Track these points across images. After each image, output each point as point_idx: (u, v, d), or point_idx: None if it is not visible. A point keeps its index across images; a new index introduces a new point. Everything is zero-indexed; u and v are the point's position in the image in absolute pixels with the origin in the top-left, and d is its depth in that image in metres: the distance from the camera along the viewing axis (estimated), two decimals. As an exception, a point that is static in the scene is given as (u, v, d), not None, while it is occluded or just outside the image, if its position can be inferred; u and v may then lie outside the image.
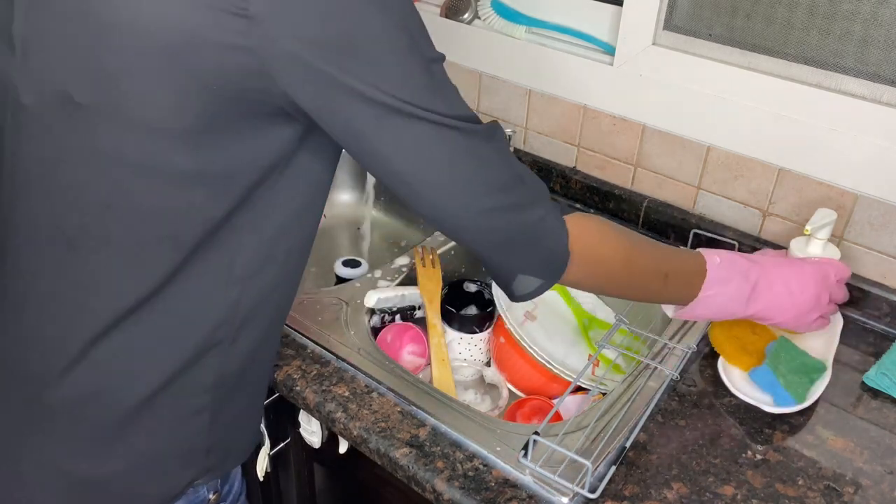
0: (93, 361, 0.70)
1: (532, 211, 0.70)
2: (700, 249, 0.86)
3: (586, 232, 0.75)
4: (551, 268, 0.74)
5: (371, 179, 1.46)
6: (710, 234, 1.13)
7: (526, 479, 0.80)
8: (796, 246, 0.97)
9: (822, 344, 0.98)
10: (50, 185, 0.68)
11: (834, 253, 0.96)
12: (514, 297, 0.76)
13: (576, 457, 0.77)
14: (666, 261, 0.82)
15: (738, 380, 0.93)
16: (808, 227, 0.91)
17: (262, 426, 0.91)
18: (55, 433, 0.74)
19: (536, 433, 0.80)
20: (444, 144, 0.64)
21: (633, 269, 0.79)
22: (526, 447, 0.81)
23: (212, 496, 0.84)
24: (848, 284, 1.03)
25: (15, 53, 0.65)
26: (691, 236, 1.14)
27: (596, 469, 0.80)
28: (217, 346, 0.74)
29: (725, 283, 0.84)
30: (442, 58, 0.64)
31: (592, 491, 0.78)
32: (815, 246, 0.95)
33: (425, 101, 0.61)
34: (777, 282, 0.86)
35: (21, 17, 0.64)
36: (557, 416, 0.99)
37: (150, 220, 0.66)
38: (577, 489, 0.77)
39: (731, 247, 1.12)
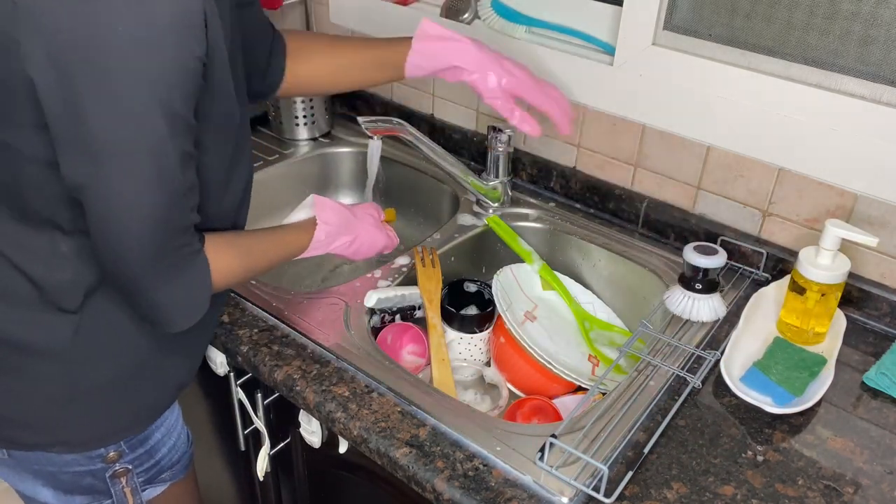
0: None
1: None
2: (317, 217, 0.96)
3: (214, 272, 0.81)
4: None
5: (371, 180, 1.46)
6: (735, 242, 1.13)
7: (526, 478, 0.80)
8: (805, 256, 0.97)
9: (827, 342, 0.99)
10: None
11: (845, 263, 0.96)
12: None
13: (595, 462, 0.77)
14: (279, 256, 0.92)
15: (738, 380, 0.93)
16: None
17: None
18: None
19: (554, 436, 0.80)
20: None
21: (254, 273, 0.89)
22: (542, 450, 0.80)
23: (111, 453, 0.89)
24: (848, 284, 1.03)
25: None
26: (719, 242, 1.13)
27: (613, 473, 0.80)
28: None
29: (326, 247, 0.98)
30: None
31: (608, 496, 0.78)
32: (824, 257, 0.95)
33: None
34: (363, 235, 1.02)
35: None
36: (557, 416, 0.99)
37: None
38: (596, 494, 0.77)
39: (733, 248, 1.12)
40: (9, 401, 0.83)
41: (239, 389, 1.05)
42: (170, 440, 0.95)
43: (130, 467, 0.91)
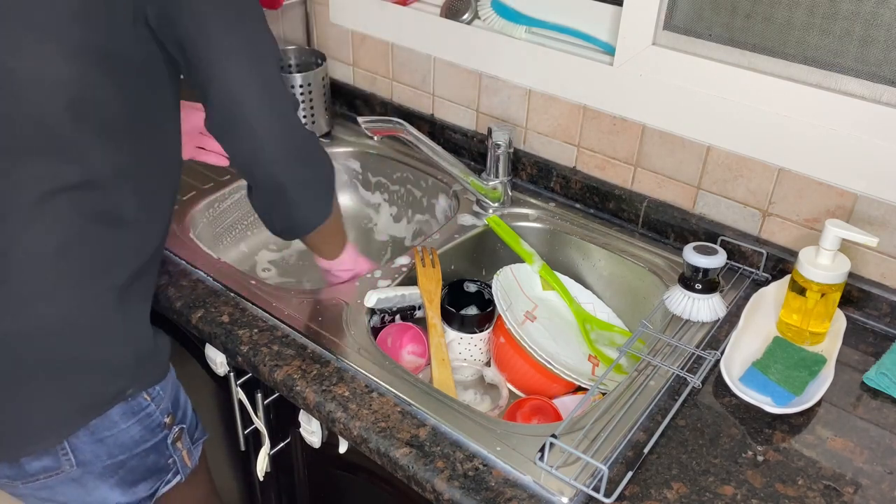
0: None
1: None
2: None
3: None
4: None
5: (372, 180, 1.46)
6: (735, 242, 1.13)
7: (526, 478, 0.80)
8: (805, 256, 0.96)
9: (827, 342, 0.99)
10: None
11: (845, 263, 0.95)
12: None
13: (595, 462, 0.77)
14: (340, 232, 1.10)
15: (738, 380, 0.93)
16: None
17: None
18: None
19: (554, 436, 0.80)
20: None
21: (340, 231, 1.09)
22: (542, 450, 0.80)
23: (167, 419, 0.94)
24: (848, 284, 1.03)
25: None
26: (718, 242, 1.14)
27: (613, 473, 0.80)
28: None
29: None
30: None
31: (608, 496, 0.78)
32: (824, 257, 0.95)
33: None
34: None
35: None
36: (557, 416, 0.99)
37: None
38: (596, 494, 0.77)
39: (733, 248, 1.12)
40: (107, 341, 0.86)
41: (239, 389, 1.05)
42: (188, 402, 1.01)
43: (184, 426, 0.97)
